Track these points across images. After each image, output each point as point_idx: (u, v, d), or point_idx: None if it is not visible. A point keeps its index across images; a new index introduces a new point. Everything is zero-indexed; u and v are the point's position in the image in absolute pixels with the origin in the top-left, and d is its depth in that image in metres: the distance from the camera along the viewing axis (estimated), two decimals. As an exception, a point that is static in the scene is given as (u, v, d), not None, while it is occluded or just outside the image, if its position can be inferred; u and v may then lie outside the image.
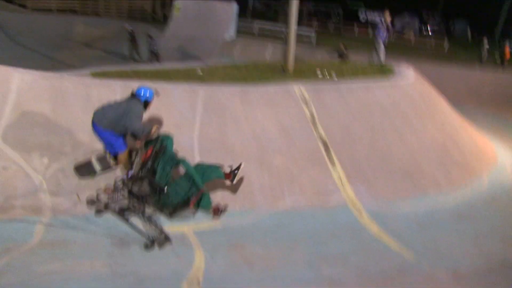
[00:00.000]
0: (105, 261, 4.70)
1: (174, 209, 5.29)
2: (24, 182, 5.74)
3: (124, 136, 5.55)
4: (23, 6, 24.21)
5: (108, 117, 5.37)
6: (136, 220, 5.22)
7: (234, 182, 5.74)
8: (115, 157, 5.79)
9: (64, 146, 6.20)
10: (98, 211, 5.41)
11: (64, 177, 5.98)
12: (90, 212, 5.55)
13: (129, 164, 5.75)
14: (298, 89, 7.57)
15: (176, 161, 5.22)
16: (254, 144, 6.77)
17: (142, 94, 5.43)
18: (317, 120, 7.27)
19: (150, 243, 5.01)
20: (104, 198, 5.46)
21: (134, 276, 4.42)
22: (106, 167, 6.15)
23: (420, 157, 7.58)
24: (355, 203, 6.53)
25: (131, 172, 5.43)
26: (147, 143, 5.47)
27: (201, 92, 7.02)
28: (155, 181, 5.17)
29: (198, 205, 5.06)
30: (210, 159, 5.95)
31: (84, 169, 6.14)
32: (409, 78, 8.95)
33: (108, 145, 5.63)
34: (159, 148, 5.28)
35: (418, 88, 8.92)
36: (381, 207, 6.56)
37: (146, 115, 5.70)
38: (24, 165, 5.88)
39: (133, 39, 17.22)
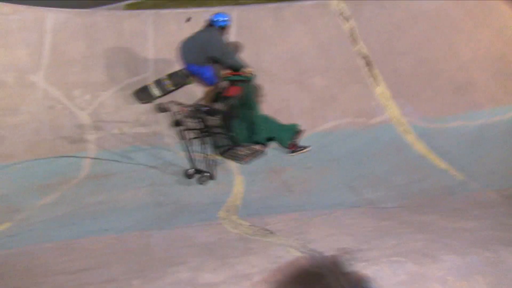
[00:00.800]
0: (147, 190, 4.87)
1: (228, 149, 5.61)
2: (69, 120, 5.99)
3: (213, 67, 5.57)
4: None
5: (191, 50, 5.43)
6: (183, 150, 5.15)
7: (292, 154, 5.73)
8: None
9: (103, 81, 6.31)
10: (176, 123, 4.86)
11: (106, 112, 6.16)
12: (132, 145, 5.74)
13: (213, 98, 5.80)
14: (336, 3, 7.04)
15: (251, 107, 5.60)
16: (292, 65, 6.54)
17: (216, 20, 5.50)
18: (357, 35, 6.82)
19: (192, 175, 5.08)
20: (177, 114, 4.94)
21: (174, 204, 4.53)
22: (164, 92, 6.24)
23: (474, 69, 6.96)
24: (400, 121, 6.24)
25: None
26: (236, 80, 5.57)
27: (235, 14, 6.76)
28: (235, 121, 5.48)
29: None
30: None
31: (143, 95, 6.27)
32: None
33: (198, 78, 5.66)
34: (249, 91, 5.55)
35: (473, -9, 7.97)
36: (429, 124, 6.21)
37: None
38: (68, 103, 6.09)
39: None
